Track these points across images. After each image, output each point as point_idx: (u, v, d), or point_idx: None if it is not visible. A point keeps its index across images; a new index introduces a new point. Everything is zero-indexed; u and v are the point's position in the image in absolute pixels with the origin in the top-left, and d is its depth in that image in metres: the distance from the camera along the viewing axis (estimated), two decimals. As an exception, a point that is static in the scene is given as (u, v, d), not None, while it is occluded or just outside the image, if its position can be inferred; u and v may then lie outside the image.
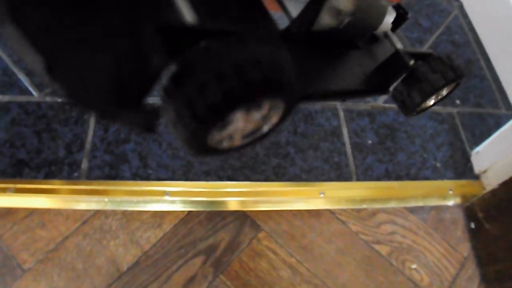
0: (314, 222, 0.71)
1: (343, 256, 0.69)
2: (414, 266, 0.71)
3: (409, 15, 0.33)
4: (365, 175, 0.76)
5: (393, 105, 0.86)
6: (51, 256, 0.61)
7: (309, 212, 0.71)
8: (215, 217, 0.68)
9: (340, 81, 0.27)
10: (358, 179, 0.75)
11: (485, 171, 0.81)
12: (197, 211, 0.68)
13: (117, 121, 0.16)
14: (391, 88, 0.30)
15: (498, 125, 0.89)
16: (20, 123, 0.68)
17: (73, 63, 0.15)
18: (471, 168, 0.83)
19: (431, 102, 0.31)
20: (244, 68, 0.15)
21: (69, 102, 0.15)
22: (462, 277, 0.72)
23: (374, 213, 0.74)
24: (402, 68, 0.29)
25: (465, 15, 1.11)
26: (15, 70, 0.72)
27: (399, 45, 0.31)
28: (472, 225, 0.77)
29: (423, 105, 0.31)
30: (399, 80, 0.30)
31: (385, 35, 0.32)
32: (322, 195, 0.71)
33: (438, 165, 0.82)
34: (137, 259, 0.62)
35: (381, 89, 0.30)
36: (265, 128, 0.19)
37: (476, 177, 0.82)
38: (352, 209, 0.74)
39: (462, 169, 0.83)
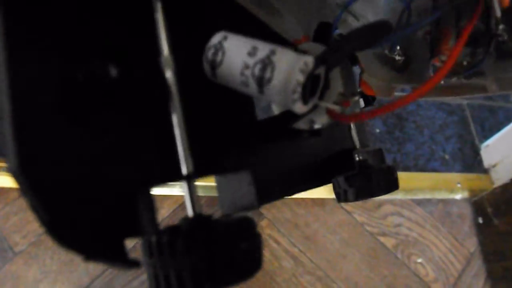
0: (319, 211, 0.69)
1: (347, 248, 0.67)
2: (419, 260, 0.69)
3: None
4: (372, 165, 0.74)
5: (401, 94, 0.84)
6: (44, 238, 0.58)
7: (313, 200, 0.69)
8: (216, 202, 0.65)
9: (288, 182, 0.29)
10: (364, 169, 0.73)
11: (494, 166, 0.79)
12: (197, 196, 0.65)
13: (101, 263, 0.19)
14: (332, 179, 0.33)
15: (508, 118, 0.87)
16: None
17: (71, 217, 0.18)
18: (480, 162, 0.81)
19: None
20: (198, 272, 0.17)
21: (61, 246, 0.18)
22: (468, 273, 0.70)
23: (380, 204, 0.72)
24: (349, 168, 0.31)
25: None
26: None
27: (355, 140, 0.33)
28: (480, 220, 0.75)
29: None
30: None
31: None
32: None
33: (447, 157, 0.79)
34: (134, 243, 0.60)
35: (324, 181, 0.32)
36: None
37: (485, 171, 0.80)
38: (357, 200, 0.72)
39: (471, 162, 0.81)
